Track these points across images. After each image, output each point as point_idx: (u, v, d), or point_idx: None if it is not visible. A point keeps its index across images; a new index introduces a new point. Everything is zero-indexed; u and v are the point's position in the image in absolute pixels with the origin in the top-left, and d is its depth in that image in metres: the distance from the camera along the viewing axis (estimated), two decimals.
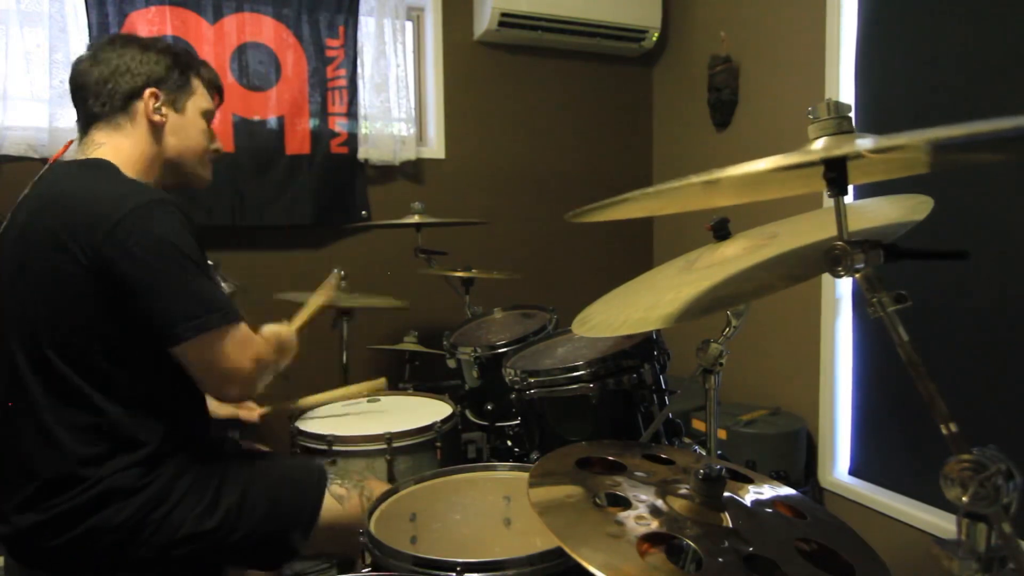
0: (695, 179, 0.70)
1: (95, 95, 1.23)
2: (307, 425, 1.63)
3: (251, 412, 1.66)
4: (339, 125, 2.72)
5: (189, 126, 1.31)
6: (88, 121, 1.25)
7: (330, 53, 2.69)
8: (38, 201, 1.17)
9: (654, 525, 0.81)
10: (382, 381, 1.74)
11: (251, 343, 1.19)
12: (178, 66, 1.29)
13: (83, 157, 1.23)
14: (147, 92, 1.25)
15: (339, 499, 1.31)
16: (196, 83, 1.33)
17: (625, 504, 0.86)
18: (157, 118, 1.26)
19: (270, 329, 1.30)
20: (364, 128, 2.75)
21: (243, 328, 1.18)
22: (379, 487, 1.37)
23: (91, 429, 1.12)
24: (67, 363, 1.10)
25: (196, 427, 1.29)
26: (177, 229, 1.12)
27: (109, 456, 1.12)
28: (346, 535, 1.26)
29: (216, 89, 1.39)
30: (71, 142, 1.28)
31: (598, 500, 0.88)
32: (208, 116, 1.35)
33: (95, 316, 1.10)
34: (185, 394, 1.22)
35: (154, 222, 1.10)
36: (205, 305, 1.12)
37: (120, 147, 1.23)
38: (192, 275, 1.12)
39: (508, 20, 2.83)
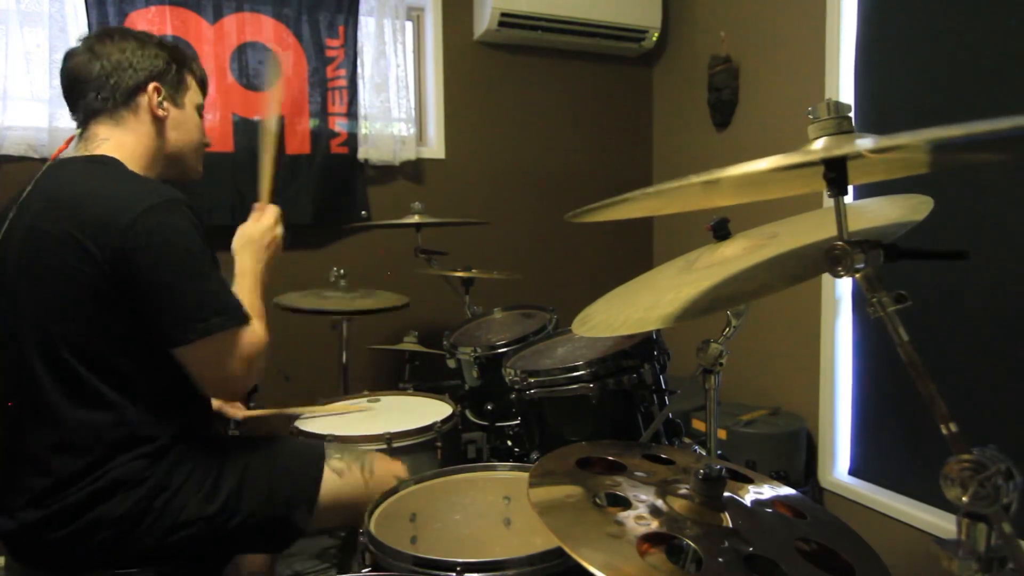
0: (695, 179, 0.70)
1: (96, 89, 1.22)
2: (307, 425, 1.63)
3: (235, 411, 1.64)
4: (339, 125, 2.72)
5: (188, 120, 1.33)
6: (88, 115, 1.24)
7: (330, 53, 2.69)
8: (45, 202, 1.15)
9: (654, 525, 0.81)
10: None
11: (247, 348, 1.18)
12: (175, 61, 1.30)
13: (86, 153, 1.22)
14: (150, 86, 1.25)
15: (339, 472, 1.30)
16: (190, 78, 1.34)
17: (625, 504, 0.86)
18: (160, 112, 1.27)
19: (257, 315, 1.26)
20: (364, 128, 2.75)
21: (245, 332, 1.17)
22: (379, 460, 1.37)
23: (103, 426, 1.12)
24: (82, 362, 1.11)
25: (202, 421, 1.30)
26: (190, 229, 1.14)
27: (118, 451, 1.12)
28: (349, 509, 1.27)
29: (204, 84, 1.39)
30: (71, 138, 1.28)
31: (598, 500, 0.88)
32: (200, 111, 1.37)
33: (110, 314, 1.11)
34: (193, 389, 1.21)
35: (169, 221, 1.12)
36: (212, 308, 1.13)
37: (124, 142, 1.24)
38: (203, 276, 1.14)
39: (508, 20, 2.83)
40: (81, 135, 1.25)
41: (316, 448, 1.35)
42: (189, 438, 1.21)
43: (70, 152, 1.26)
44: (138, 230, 1.08)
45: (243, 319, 1.17)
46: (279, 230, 1.41)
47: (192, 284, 1.13)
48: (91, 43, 1.25)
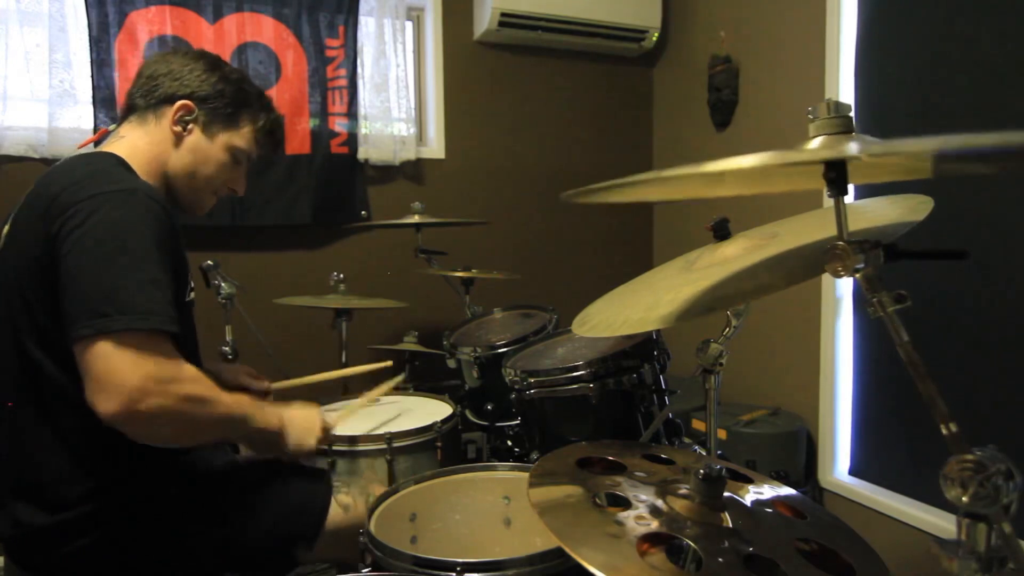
0: (693, 169, 0.69)
1: (140, 87, 1.26)
2: None
3: (261, 383, 1.60)
4: (339, 125, 2.72)
5: (208, 152, 1.29)
6: (126, 112, 1.27)
7: (330, 53, 2.69)
8: (30, 196, 1.13)
9: (654, 525, 0.81)
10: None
11: (156, 361, 0.99)
12: (232, 100, 1.29)
13: (97, 149, 1.22)
14: (180, 102, 1.25)
15: (345, 508, 1.30)
16: (244, 123, 1.32)
17: (625, 504, 0.86)
18: (178, 128, 1.25)
19: (237, 400, 1.14)
20: (364, 128, 2.75)
21: (157, 342, 1.00)
22: (381, 490, 1.37)
23: (83, 431, 1.08)
24: (54, 361, 1.05)
25: None
26: (132, 220, 1.03)
27: (105, 457, 1.11)
28: (349, 541, 1.26)
29: (272, 142, 1.38)
30: (102, 132, 1.29)
31: (598, 500, 0.88)
32: (236, 154, 1.32)
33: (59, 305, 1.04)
34: None
35: (110, 209, 1.02)
36: (121, 303, 0.97)
37: (137, 144, 1.23)
38: (124, 268, 1.00)
39: (508, 20, 2.83)
40: (112, 131, 1.27)
41: (323, 480, 1.34)
42: (184, 451, 1.20)
43: (90, 148, 1.26)
44: (77, 214, 1.01)
45: (156, 323, 0.99)
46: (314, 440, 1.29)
47: (107, 273, 0.98)
48: (171, 52, 1.30)
